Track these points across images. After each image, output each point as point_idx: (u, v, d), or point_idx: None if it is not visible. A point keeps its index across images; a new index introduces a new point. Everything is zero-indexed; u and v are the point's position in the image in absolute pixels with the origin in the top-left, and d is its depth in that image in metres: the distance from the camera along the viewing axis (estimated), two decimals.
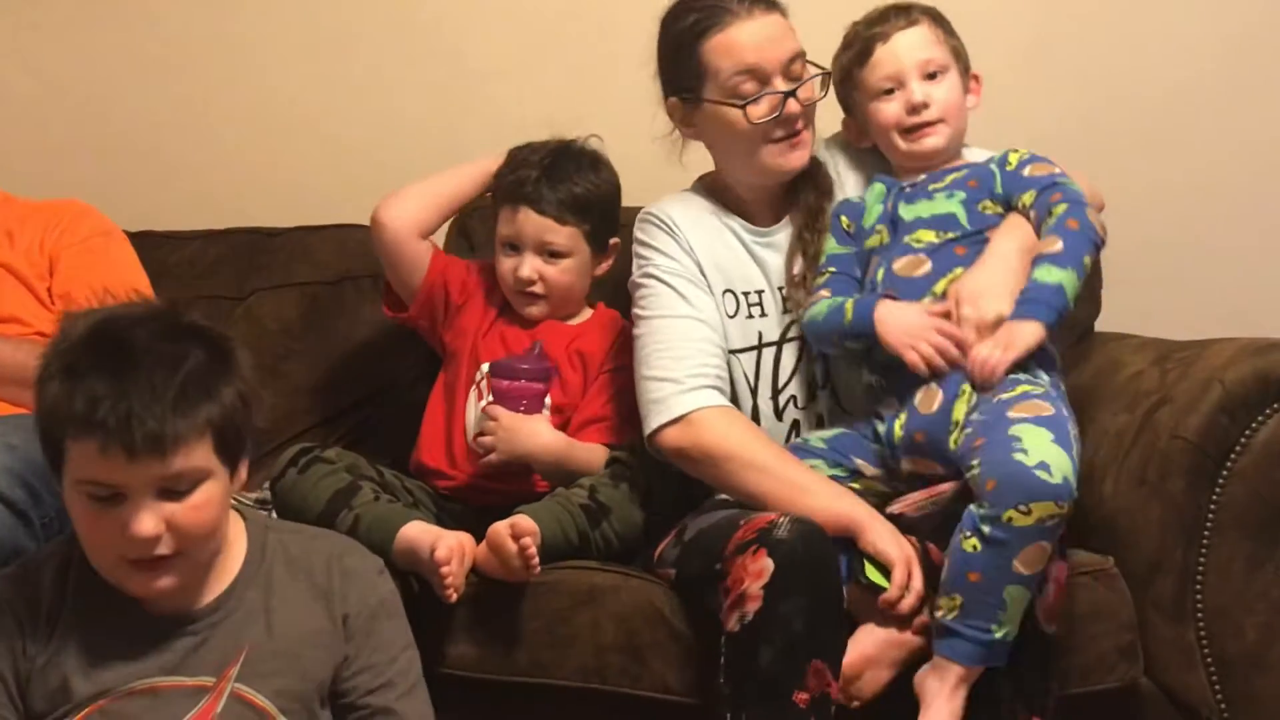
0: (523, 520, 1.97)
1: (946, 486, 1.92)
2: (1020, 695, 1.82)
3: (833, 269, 2.12)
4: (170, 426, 1.50)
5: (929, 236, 2.04)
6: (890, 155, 2.15)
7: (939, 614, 1.82)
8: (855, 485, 2.02)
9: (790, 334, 2.17)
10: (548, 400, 2.26)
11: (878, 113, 2.10)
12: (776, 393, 2.16)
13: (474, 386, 2.29)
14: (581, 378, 2.31)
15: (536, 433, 2.21)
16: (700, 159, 2.24)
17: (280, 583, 1.68)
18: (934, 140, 2.08)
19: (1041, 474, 1.75)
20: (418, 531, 2.01)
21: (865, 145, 2.19)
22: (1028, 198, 2.02)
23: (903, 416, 1.98)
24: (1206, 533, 2.00)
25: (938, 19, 2.13)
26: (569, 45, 2.80)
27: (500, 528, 1.96)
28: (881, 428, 2.02)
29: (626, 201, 2.38)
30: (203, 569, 1.64)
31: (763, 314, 2.17)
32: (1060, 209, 1.98)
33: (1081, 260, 1.94)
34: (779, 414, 2.16)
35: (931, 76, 2.08)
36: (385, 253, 2.35)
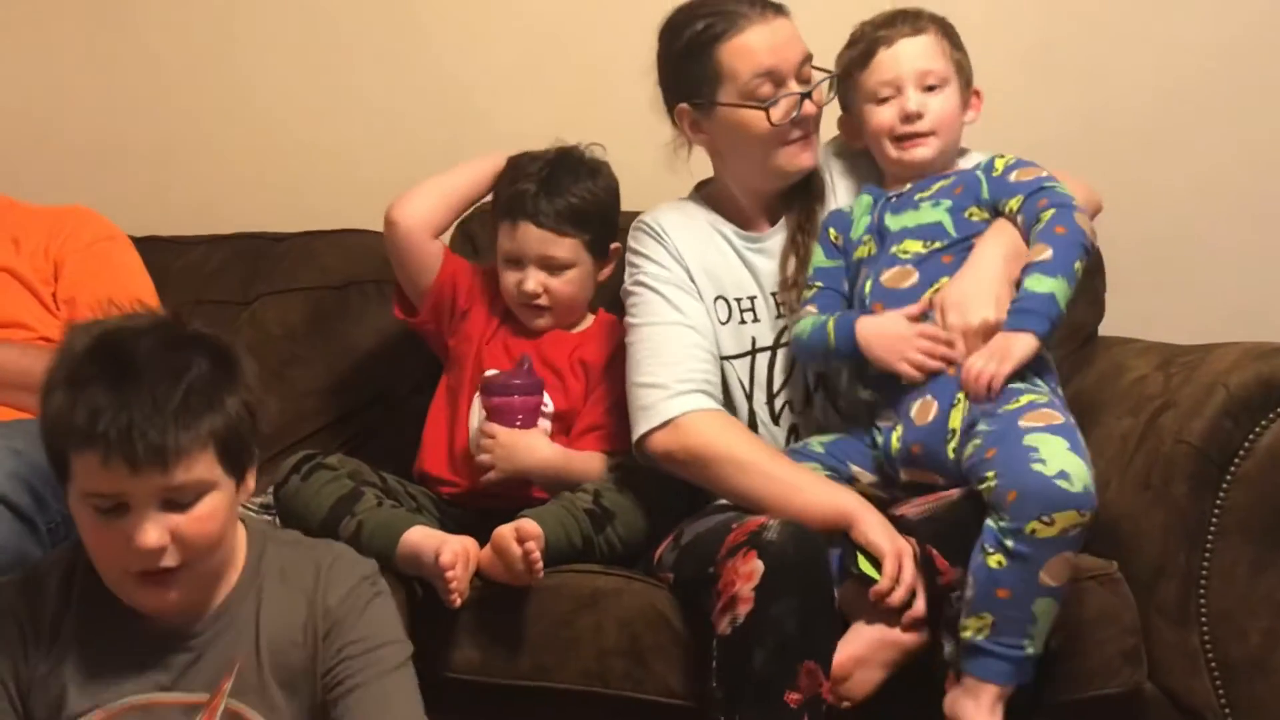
0: (527, 524, 1.97)
1: (953, 493, 1.92)
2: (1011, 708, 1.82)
3: (819, 284, 2.13)
4: (172, 438, 1.49)
5: (915, 247, 2.04)
6: (880, 160, 2.15)
7: (967, 634, 1.80)
8: (858, 482, 2.02)
9: (784, 339, 2.17)
10: (549, 407, 2.27)
11: (872, 116, 2.10)
12: (771, 397, 2.17)
13: (478, 393, 2.29)
14: (584, 386, 2.31)
15: (534, 448, 2.21)
16: (702, 165, 2.24)
17: (271, 594, 1.67)
18: (924, 151, 2.08)
19: (1063, 484, 1.75)
20: (421, 536, 2.01)
21: (859, 146, 2.19)
22: (1014, 203, 2.01)
23: (899, 429, 1.98)
24: (1210, 537, 2.00)
25: (946, 30, 2.12)
26: (569, 53, 2.81)
27: (505, 531, 1.96)
28: (879, 439, 2.02)
29: (629, 207, 2.39)
30: (209, 581, 1.63)
31: (755, 320, 2.18)
32: (1048, 215, 1.97)
33: (1072, 267, 1.93)
34: (775, 419, 2.17)
35: (930, 88, 2.07)
36: (397, 252, 2.35)
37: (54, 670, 1.61)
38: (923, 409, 1.96)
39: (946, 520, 1.90)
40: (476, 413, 2.27)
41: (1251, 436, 1.99)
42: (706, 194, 2.25)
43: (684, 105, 2.15)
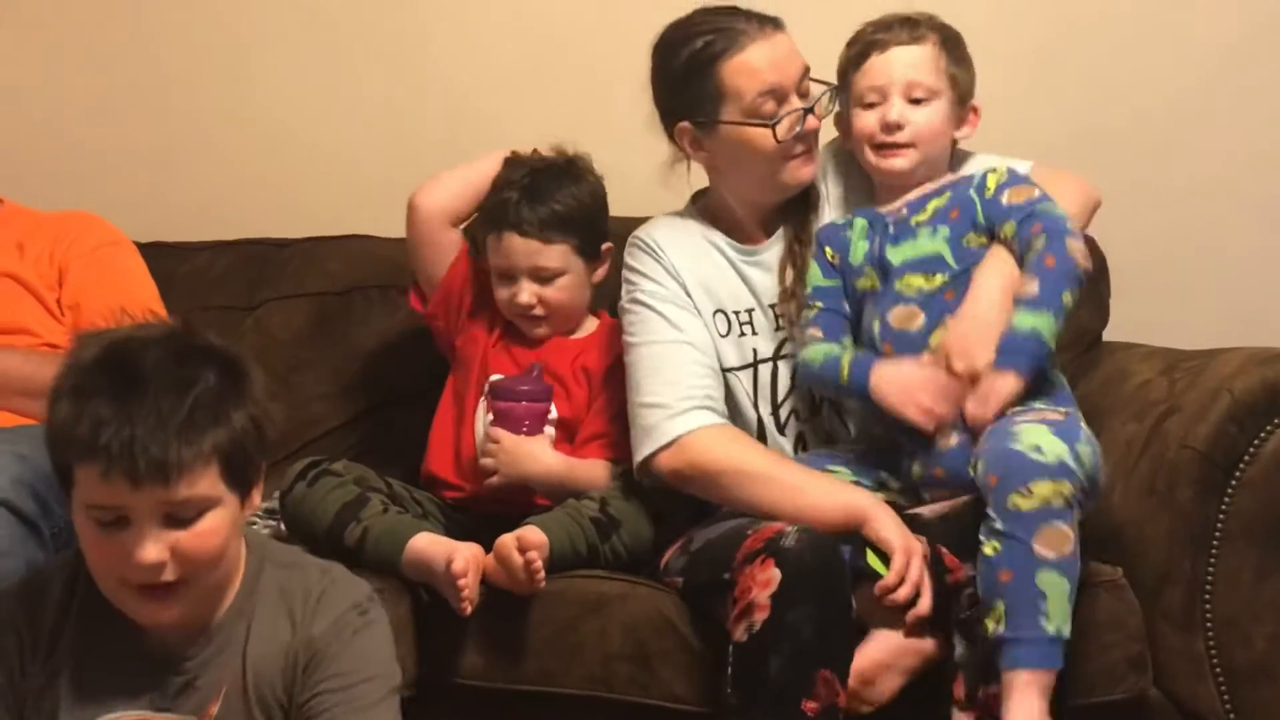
0: (530, 533, 1.97)
1: (971, 497, 1.92)
2: None
3: (820, 304, 2.12)
4: (175, 453, 1.46)
5: (918, 282, 2.03)
6: (862, 164, 2.14)
7: (989, 631, 1.80)
8: (881, 496, 2.00)
9: (784, 351, 2.17)
10: (553, 414, 2.26)
11: (856, 119, 2.10)
12: (776, 407, 2.17)
13: (483, 397, 2.29)
14: (587, 393, 2.31)
15: (536, 457, 2.21)
16: (700, 173, 2.24)
17: (260, 618, 1.63)
18: (900, 162, 2.07)
19: (1035, 455, 1.78)
20: (427, 543, 2.01)
21: (851, 146, 2.17)
22: (1009, 229, 2.00)
23: (917, 465, 1.99)
24: (1215, 542, 2.00)
25: (948, 43, 2.10)
26: (571, 58, 2.81)
27: (508, 540, 1.96)
28: (902, 464, 2.02)
29: (631, 211, 2.39)
30: (209, 595, 1.60)
31: (754, 332, 2.18)
32: (1039, 243, 1.96)
33: (1060, 300, 1.93)
34: (781, 428, 2.17)
35: (916, 100, 2.06)
36: (416, 237, 2.35)
37: (49, 683, 1.59)
38: (942, 435, 1.97)
39: (959, 520, 1.91)
40: (483, 417, 2.27)
41: (1256, 441, 1.99)
42: (702, 206, 2.25)
43: (684, 124, 2.13)
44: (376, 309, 2.61)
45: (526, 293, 2.28)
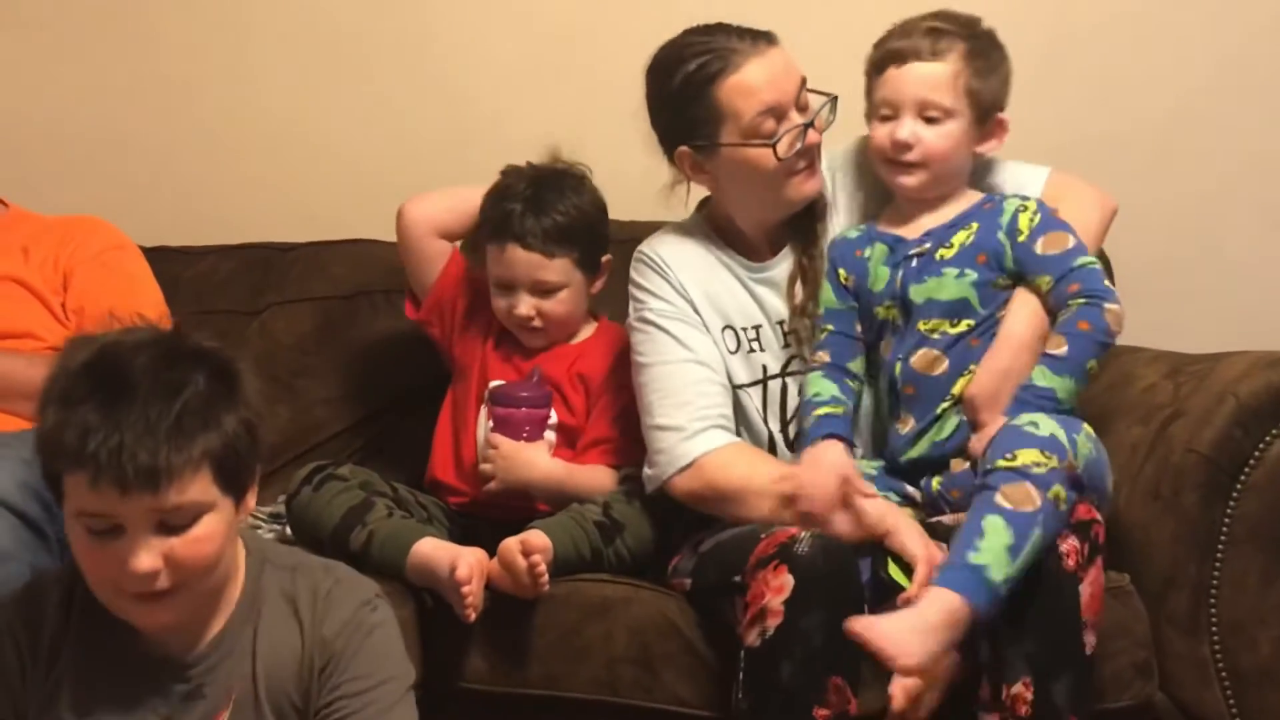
0: (534, 538, 1.97)
1: None
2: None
3: (831, 327, 2.10)
4: (164, 460, 1.44)
5: (944, 326, 2.01)
6: (879, 175, 2.11)
7: None
8: (908, 510, 1.99)
9: (791, 367, 2.16)
10: (553, 419, 2.26)
11: (873, 128, 2.06)
12: (786, 423, 2.15)
13: (483, 404, 2.29)
14: (584, 399, 2.30)
15: (534, 463, 2.21)
16: (698, 192, 2.23)
17: (268, 623, 1.62)
18: (910, 180, 2.04)
19: (1028, 428, 1.81)
20: (432, 548, 2.01)
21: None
22: (1044, 283, 1.96)
23: (937, 480, 1.99)
24: (1220, 547, 2.00)
25: (975, 55, 2.02)
26: (578, 63, 2.81)
27: (511, 545, 1.96)
28: (921, 482, 2.02)
29: (637, 216, 2.39)
30: (206, 601, 1.59)
31: (762, 348, 2.16)
32: (1076, 305, 1.93)
33: (1084, 367, 1.92)
34: (791, 444, 2.14)
35: (930, 119, 2.01)
36: (401, 243, 2.36)
37: (53, 694, 1.58)
38: (958, 463, 1.97)
39: None
40: (483, 423, 2.27)
41: (1262, 446, 1.99)
42: (708, 215, 2.22)
43: (684, 148, 2.11)
44: (381, 313, 2.61)
45: (525, 305, 2.28)
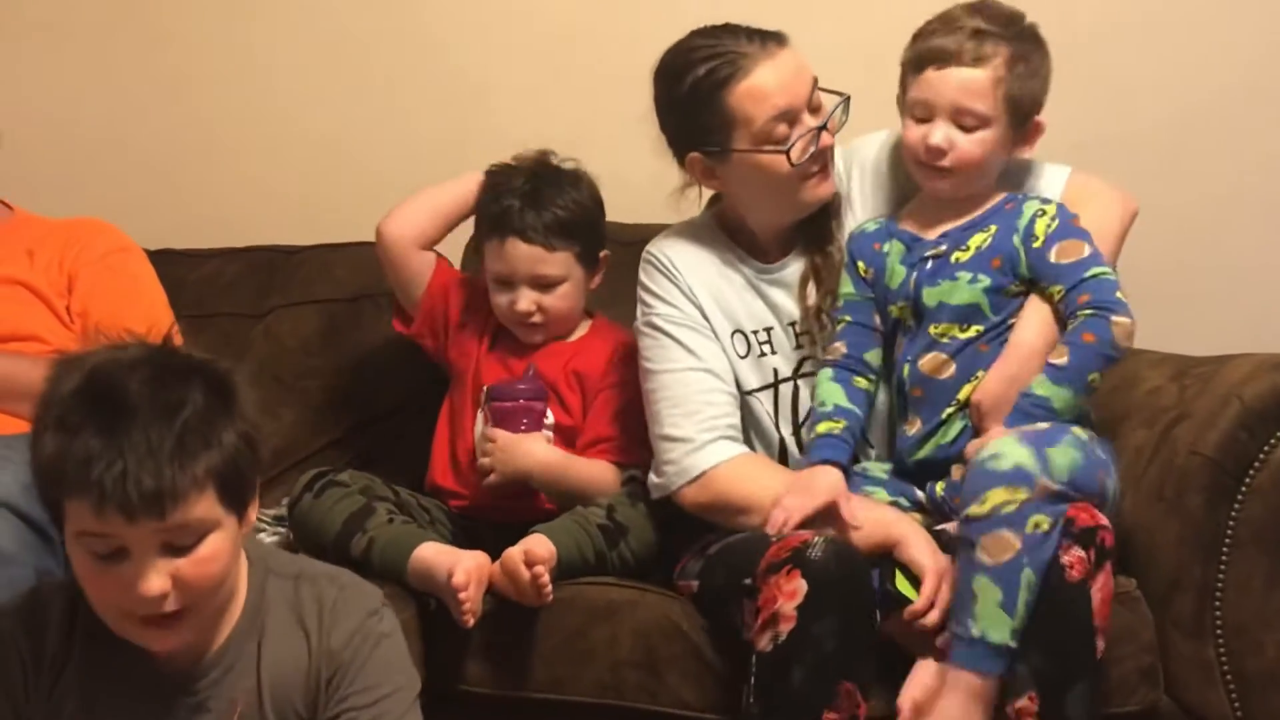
0: (538, 546, 1.96)
1: None
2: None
3: (849, 318, 2.08)
4: (168, 482, 1.42)
5: (953, 331, 2.00)
6: (909, 173, 2.09)
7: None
8: (916, 516, 1.99)
9: (804, 369, 2.14)
10: (549, 419, 2.26)
11: (905, 127, 2.02)
12: (798, 428, 2.14)
13: (480, 409, 2.29)
14: (580, 398, 2.30)
15: (531, 451, 2.21)
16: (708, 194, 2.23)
17: (273, 634, 1.61)
18: (941, 185, 2.01)
19: (991, 464, 1.80)
20: (432, 553, 2.01)
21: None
22: (1056, 292, 1.95)
23: (940, 485, 1.98)
24: (1225, 549, 2.00)
25: (1018, 59, 1.96)
26: (584, 65, 2.81)
27: (515, 554, 1.96)
28: (927, 483, 2.01)
29: (642, 217, 2.38)
30: (213, 617, 1.58)
31: (773, 351, 2.15)
32: (1083, 316, 1.91)
33: (1085, 379, 1.91)
34: (803, 448, 2.12)
35: (966, 126, 1.96)
36: (387, 263, 2.36)
37: (55, 711, 1.56)
38: (958, 470, 1.97)
39: None
40: (480, 426, 2.27)
41: (1266, 448, 1.99)
42: (718, 213, 2.20)
43: (695, 154, 2.10)
44: (386, 316, 2.60)
45: (525, 300, 2.28)
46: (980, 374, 1.97)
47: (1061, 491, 1.80)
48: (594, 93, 2.77)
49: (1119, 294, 1.93)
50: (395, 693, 1.61)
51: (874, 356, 2.08)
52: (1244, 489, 1.99)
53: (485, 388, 2.28)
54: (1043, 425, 1.87)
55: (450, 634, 2.00)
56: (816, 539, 1.80)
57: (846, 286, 2.10)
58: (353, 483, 2.15)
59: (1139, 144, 2.69)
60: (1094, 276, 1.94)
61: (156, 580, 1.45)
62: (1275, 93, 2.69)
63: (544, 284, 2.28)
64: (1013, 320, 1.98)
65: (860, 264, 2.09)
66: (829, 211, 2.14)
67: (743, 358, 2.14)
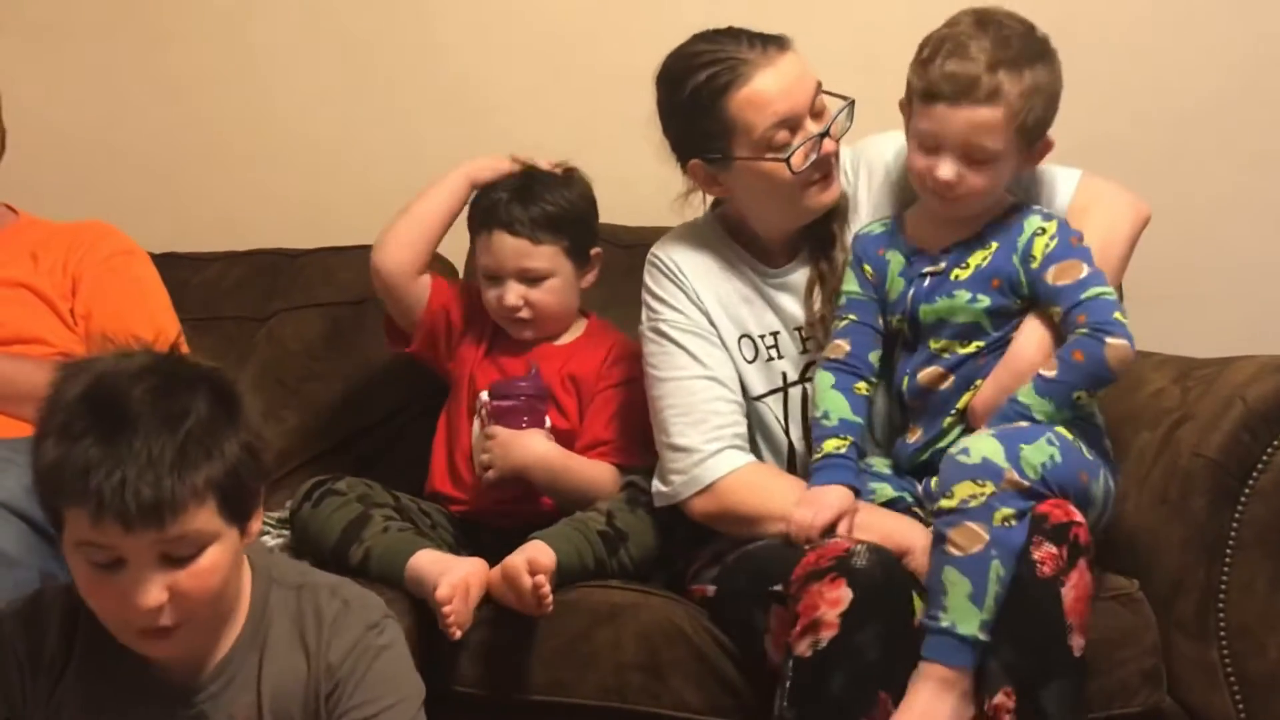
0: (540, 556, 1.95)
1: None
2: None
3: (853, 316, 2.07)
4: (167, 493, 1.40)
5: (954, 347, 1.99)
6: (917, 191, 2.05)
7: None
8: (918, 511, 1.99)
9: (810, 374, 2.12)
10: (547, 424, 2.25)
11: (911, 152, 1.97)
12: (806, 431, 2.12)
13: (476, 415, 2.28)
14: (576, 401, 2.30)
15: (530, 446, 2.20)
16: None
17: (274, 648, 1.60)
18: (950, 211, 1.98)
19: (960, 458, 1.81)
20: (426, 562, 2.01)
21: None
22: (1055, 313, 1.93)
23: (935, 480, 1.96)
24: (1229, 551, 2.00)
25: (1034, 90, 1.89)
26: (587, 69, 2.81)
27: (517, 563, 1.94)
28: (923, 480, 2.02)
29: (645, 220, 2.38)
30: (213, 627, 1.57)
31: (780, 355, 2.14)
32: (1078, 335, 1.89)
33: (1069, 396, 1.88)
34: (812, 452, 2.11)
35: (975, 159, 1.92)
36: (386, 295, 2.35)
37: (55, 717, 1.56)
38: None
39: None
40: (478, 431, 2.27)
41: (1270, 450, 1.99)
42: (722, 214, 2.19)
43: (697, 161, 2.09)
44: None
45: (513, 294, 2.28)
46: (979, 383, 1.97)
47: (1032, 487, 1.81)
48: (595, 95, 2.77)
49: (1117, 315, 1.90)
50: (397, 704, 1.60)
51: (876, 358, 2.07)
52: (1247, 491, 1.99)
53: (488, 384, 2.27)
54: (1024, 424, 1.87)
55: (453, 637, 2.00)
56: (859, 547, 1.80)
57: (851, 285, 2.08)
58: (350, 490, 2.15)
59: (1140, 145, 2.69)
60: (1092, 297, 1.91)
61: (153, 592, 1.44)
62: (1276, 93, 2.69)
63: (530, 278, 2.28)
64: (1013, 335, 1.98)
65: (866, 266, 2.08)
66: (835, 215, 2.12)
67: (750, 362, 2.13)
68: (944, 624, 1.78)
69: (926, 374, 2.01)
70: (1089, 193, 2.06)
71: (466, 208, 2.35)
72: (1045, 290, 1.94)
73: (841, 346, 2.06)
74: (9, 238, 2.36)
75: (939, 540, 1.81)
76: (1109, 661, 1.95)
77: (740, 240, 2.17)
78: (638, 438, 2.17)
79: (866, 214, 2.14)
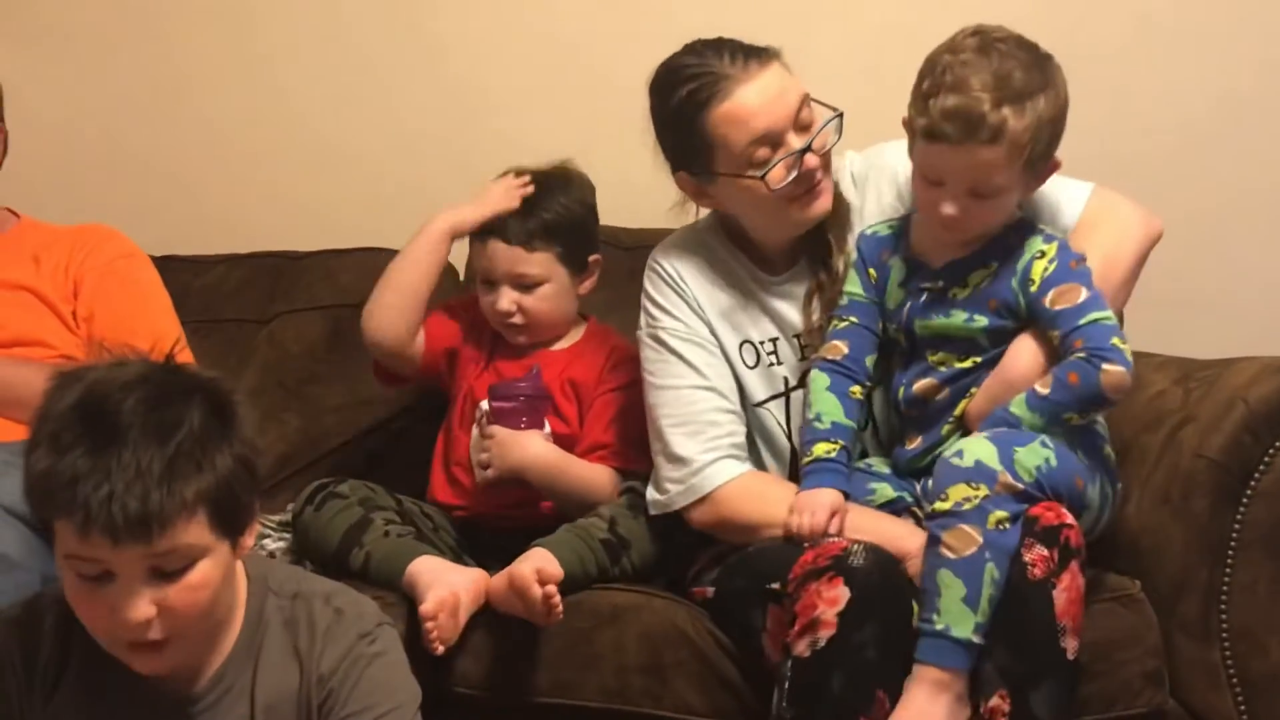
0: (548, 566, 1.95)
1: None
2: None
3: (854, 318, 2.05)
4: (155, 506, 1.38)
5: (951, 361, 1.98)
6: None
7: None
8: (917, 511, 1.99)
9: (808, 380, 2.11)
10: (546, 429, 2.25)
11: (915, 183, 1.95)
12: None
13: (475, 423, 2.28)
14: (576, 406, 2.30)
15: (528, 446, 2.20)
16: None
17: (267, 659, 1.58)
18: (954, 238, 1.97)
19: (954, 460, 1.81)
20: (421, 570, 2.00)
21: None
22: (1054, 336, 1.91)
23: (931, 481, 1.97)
24: (1231, 552, 2.00)
25: (1042, 123, 1.85)
26: (587, 71, 2.81)
27: (527, 573, 1.93)
28: (922, 479, 2.01)
29: (631, 224, 2.38)
30: (204, 640, 1.55)
31: (779, 361, 2.13)
32: (1074, 358, 1.87)
33: (1059, 417, 1.87)
34: (799, 455, 2.11)
35: (981, 194, 1.89)
36: (385, 359, 2.35)
37: None
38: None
39: None
40: (475, 437, 2.27)
41: (1271, 451, 1.99)
42: (723, 218, 2.17)
43: (683, 174, 2.09)
44: None
45: (506, 300, 2.28)
46: (973, 391, 1.97)
47: (1026, 490, 1.81)
48: (597, 96, 2.77)
49: (1115, 340, 1.88)
50: (390, 711, 1.58)
51: (873, 362, 2.06)
52: (1249, 492, 1.99)
53: (490, 386, 2.27)
54: (1014, 430, 1.87)
55: (457, 639, 2.00)
56: (856, 546, 1.80)
57: (854, 286, 2.07)
58: (352, 494, 2.15)
59: (1144, 148, 2.69)
60: (1090, 323, 1.89)
61: (142, 607, 1.43)
62: (1277, 98, 2.69)
63: (524, 284, 2.28)
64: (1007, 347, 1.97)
65: (870, 270, 2.07)
66: (835, 224, 2.11)
67: (752, 368, 2.13)
68: (938, 626, 1.78)
69: (922, 385, 2.01)
70: (1100, 207, 2.05)
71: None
72: (1043, 314, 1.92)
73: (839, 348, 2.05)
74: (11, 240, 2.37)
75: (933, 543, 1.81)
76: (1111, 662, 1.95)
77: (740, 246, 2.16)
78: (637, 441, 2.17)
79: (872, 213, 2.13)
